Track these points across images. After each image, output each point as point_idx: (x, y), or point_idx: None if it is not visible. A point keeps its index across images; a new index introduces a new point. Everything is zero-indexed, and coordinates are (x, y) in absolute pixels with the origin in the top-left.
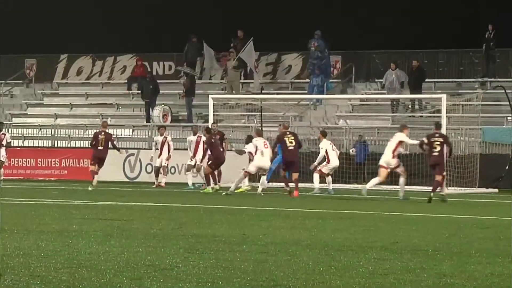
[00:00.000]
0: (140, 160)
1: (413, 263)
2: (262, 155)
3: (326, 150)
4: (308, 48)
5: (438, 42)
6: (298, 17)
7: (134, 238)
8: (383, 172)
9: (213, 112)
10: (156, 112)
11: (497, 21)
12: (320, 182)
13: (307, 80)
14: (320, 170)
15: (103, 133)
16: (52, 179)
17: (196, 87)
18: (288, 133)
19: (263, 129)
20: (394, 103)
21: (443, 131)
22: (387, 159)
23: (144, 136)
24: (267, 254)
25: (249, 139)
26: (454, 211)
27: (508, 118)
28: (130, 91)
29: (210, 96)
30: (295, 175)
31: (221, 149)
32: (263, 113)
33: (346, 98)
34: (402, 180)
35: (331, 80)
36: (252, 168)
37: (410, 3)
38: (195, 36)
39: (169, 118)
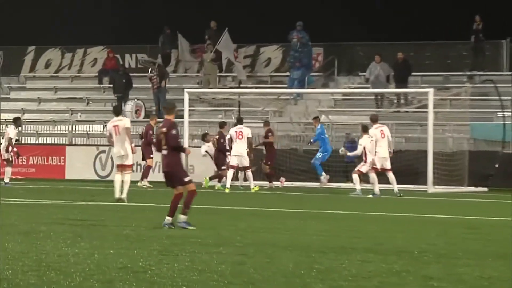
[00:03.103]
0: (111, 158)
1: (398, 266)
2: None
3: (364, 147)
4: (288, 40)
5: (424, 34)
6: (277, 7)
7: (105, 239)
8: None
9: (189, 107)
10: (129, 107)
11: (485, 12)
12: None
13: (287, 73)
14: (358, 170)
15: None
16: (19, 177)
17: (169, 80)
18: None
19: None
20: (379, 97)
21: (430, 126)
22: None
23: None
24: (245, 256)
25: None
26: (441, 211)
27: (498, 113)
28: (101, 85)
29: (185, 90)
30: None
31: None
32: (241, 108)
33: (328, 93)
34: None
35: (312, 74)
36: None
37: None
38: (169, 28)
39: (142, 114)
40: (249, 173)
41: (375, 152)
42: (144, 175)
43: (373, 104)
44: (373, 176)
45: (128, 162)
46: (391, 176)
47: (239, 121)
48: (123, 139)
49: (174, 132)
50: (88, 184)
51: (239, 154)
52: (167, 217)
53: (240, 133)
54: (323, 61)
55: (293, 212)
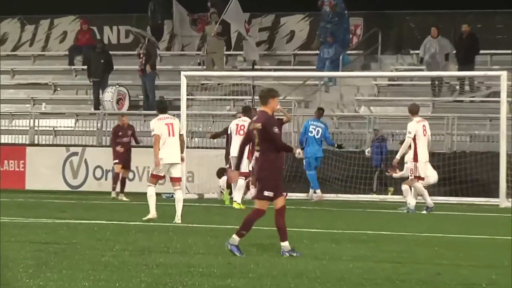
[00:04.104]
0: (86, 162)
1: None
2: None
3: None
4: (318, 7)
5: (496, 0)
6: None
7: (78, 268)
8: None
9: (187, 95)
10: (108, 95)
11: None
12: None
13: (316, 51)
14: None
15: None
16: None
17: (161, 60)
18: None
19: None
20: (436, 83)
21: (502, 120)
22: None
23: (91, 128)
24: None
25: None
26: None
27: None
28: (73, 67)
29: (182, 73)
30: None
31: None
32: (255, 97)
33: (369, 77)
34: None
35: (348, 52)
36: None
37: None
38: None
39: (126, 104)
40: (241, 181)
41: (415, 154)
42: (114, 184)
43: (428, 92)
44: (420, 188)
45: (179, 174)
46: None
47: (246, 110)
48: (176, 143)
49: (276, 130)
50: (55, 197)
51: (236, 154)
52: (282, 244)
53: (243, 127)
54: (363, 36)
55: (323, 232)
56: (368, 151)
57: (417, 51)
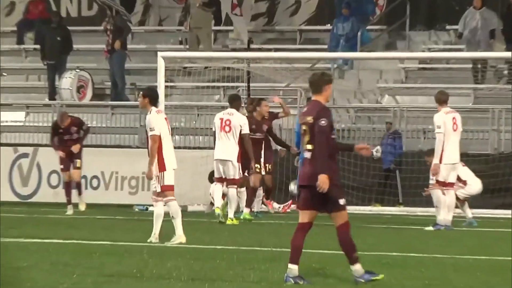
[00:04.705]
0: (38, 166)
1: None
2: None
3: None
4: None
5: None
6: None
7: None
8: None
9: (165, 81)
10: (67, 82)
11: None
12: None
13: (328, 26)
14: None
15: None
16: None
17: (133, 37)
18: None
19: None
20: (479, 66)
21: None
22: None
23: (45, 124)
24: None
25: None
26: None
27: None
28: (22, 46)
29: (159, 54)
30: None
31: None
32: (251, 84)
33: (395, 58)
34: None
35: (369, 27)
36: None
37: None
38: None
39: (89, 93)
40: (232, 190)
41: (441, 152)
42: (68, 196)
43: (468, 78)
44: (439, 197)
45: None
46: (451, 196)
47: (233, 100)
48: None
49: (323, 122)
50: (1, 209)
51: (222, 157)
52: (289, 266)
53: (228, 122)
54: (386, 7)
55: (337, 254)
56: (377, 150)
57: (455, 26)
